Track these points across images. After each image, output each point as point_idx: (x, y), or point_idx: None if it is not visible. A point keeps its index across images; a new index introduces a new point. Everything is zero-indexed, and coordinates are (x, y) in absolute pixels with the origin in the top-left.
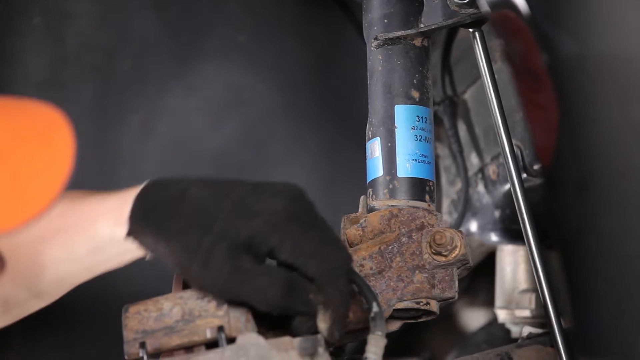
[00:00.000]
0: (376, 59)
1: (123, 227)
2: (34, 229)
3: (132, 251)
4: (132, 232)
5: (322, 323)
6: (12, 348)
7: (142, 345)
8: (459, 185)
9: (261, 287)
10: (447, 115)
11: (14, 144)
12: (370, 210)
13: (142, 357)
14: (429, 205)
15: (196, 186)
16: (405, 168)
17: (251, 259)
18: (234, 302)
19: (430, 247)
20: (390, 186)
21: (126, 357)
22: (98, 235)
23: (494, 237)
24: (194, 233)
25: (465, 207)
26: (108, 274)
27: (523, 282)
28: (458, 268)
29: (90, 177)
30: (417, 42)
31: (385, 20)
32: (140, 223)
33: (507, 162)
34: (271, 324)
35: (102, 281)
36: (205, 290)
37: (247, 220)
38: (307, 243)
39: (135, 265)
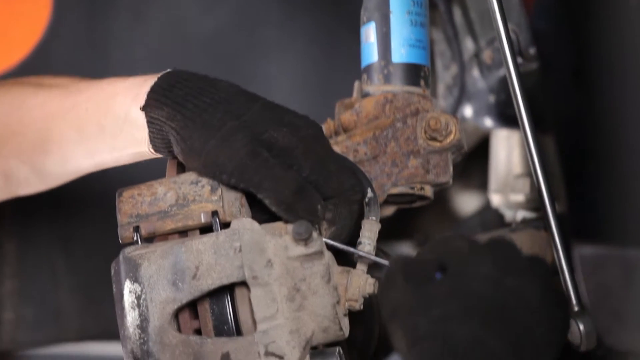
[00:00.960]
0: None
1: (140, 103)
2: (49, 105)
3: (137, 143)
4: (148, 106)
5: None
6: (10, 235)
7: (136, 229)
8: (453, 69)
9: (276, 177)
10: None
11: None
12: (365, 95)
13: (137, 241)
14: (424, 91)
15: (227, 81)
16: (400, 53)
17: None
18: (239, 188)
19: (425, 132)
20: (385, 71)
21: (120, 241)
22: (112, 112)
23: (488, 122)
24: (219, 114)
25: (461, 92)
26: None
27: (517, 167)
28: (452, 153)
29: (82, 60)
30: None
31: None
32: (159, 97)
33: (503, 47)
34: None
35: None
36: (214, 168)
37: (277, 125)
38: (330, 164)
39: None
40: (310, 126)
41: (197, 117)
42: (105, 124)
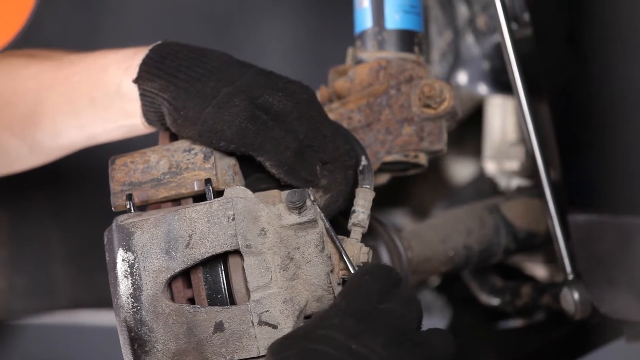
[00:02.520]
0: None
1: (132, 76)
2: (41, 76)
3: (129, 116)
4: (140, 78)
5: (316, 203)
6: (2, 203)
7: (129, 197)
8: (447, 35)
9: (277, 139)
10: None
11: None
12: (359, 62)
13: (129, 209)
14: (418, 57)
15: (218, 51)
16: (394, 19)
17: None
18: (239, 153)
19: (419, 99)
20: (379, 38)
21: (113, 209)
22: (103, 85)
23: (483, 89)
24: (213, 82)
25: (455, 58)
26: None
27: (512, 134)
28: (447, 120)
29: (74, 28)
30: None
31: None
32: (151, 69)
33: (497, 12)
34: None
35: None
36: (211, 136)
37: (272, 90)
38: (325, 129)
39: None
40: (304, 91)
41: (190, 87)
42: (96, 96)
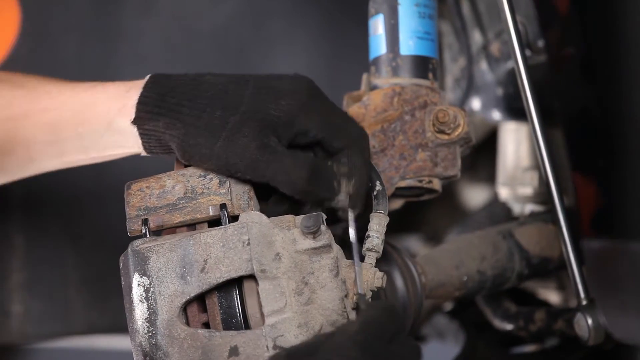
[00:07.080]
0: None
1: (128, 116)
2: (15, 107)
3: (121, 147)
4: (139, 119)
5: (344, 194)
6: (18, 228)
7: (145, 222)
8: (461, 62)
9: (288, 168)
10: None
11: None
12: (373, 88)
13: (145, 234)
14: (432, 83)
15: (210, 74)
16: (409, 45)
17: (278, 142)
18: (255, 182)
19: (433, 125)
20: (393, 64)
21: (129, 233)
22: (91, 122)
23: (496, 115)
24: (219, 113)
25: (469, 84)
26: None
27: (525, 160)
28: (461, 146)
29: (89, 53)
30: None
31: None
32: (152, 108)
33: (511, 39)
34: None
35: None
36: (227, 169)
37: (274, 101)
38: (334, 117)
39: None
40: (305, 86)
41: (197, 120)
42: (82, 132)
